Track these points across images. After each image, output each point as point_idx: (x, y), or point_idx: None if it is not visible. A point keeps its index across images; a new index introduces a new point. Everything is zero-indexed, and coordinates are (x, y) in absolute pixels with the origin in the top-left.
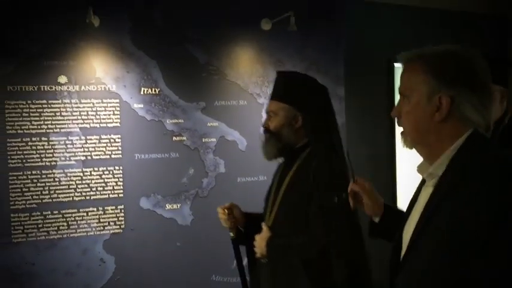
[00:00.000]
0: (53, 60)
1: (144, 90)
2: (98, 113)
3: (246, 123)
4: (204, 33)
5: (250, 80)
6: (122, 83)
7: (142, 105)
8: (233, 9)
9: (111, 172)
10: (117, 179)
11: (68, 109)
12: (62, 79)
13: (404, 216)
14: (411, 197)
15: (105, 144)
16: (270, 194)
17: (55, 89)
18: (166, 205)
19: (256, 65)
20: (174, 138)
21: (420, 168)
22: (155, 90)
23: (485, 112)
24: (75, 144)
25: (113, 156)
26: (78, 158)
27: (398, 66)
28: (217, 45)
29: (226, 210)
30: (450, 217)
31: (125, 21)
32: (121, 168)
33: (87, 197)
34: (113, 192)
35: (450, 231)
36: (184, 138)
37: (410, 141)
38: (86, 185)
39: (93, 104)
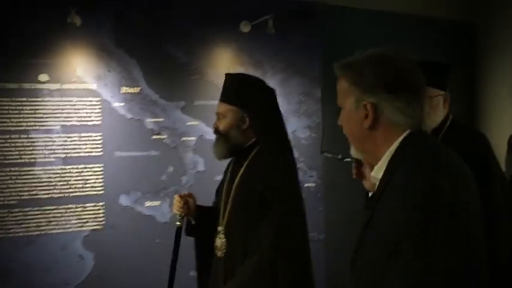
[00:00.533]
0: (34, 58)
1: (124, 89)
2: (79, 111)
3: None
4: (184, 34)
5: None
6: (102, 81)
7: (123, 104)
8: (213, 11)
9: (91, 169)
10: (97, 176)
11: (48, 107)
12: (43, 77)
13: None
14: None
15: (85, 142)
16: (222, 190)
17: (36, 86)
18: (146, 202)
19: (236, 66)
20: (154, 136)
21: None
22: (136, 89)
23: (413, 113)
24: (55, 141)
25: (93, 153)
26: (58, 155)
27: None
28: (197, 46)
29: (182, 199)
30: (377, 217)
31: (107, 20)
32: (101, 165)
33: (67, 194)
34: (93, 189)
35: (376, 231)
36: (164, 136)
37: (355, 151)
38: (66, 182)
39: (74, 102)
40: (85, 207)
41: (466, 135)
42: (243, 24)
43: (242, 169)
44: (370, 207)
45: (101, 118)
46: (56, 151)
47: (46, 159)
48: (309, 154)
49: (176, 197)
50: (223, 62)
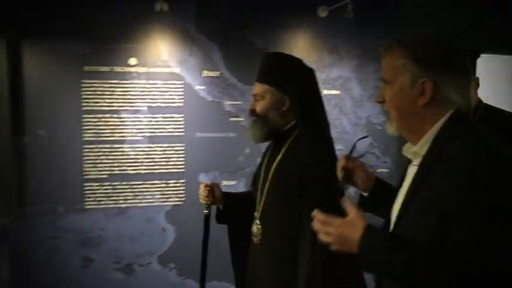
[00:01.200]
0: (124, 44)
1: (205, 73)
2: (163, 93)
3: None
4: (263, 20)
5: None
6: (185, 65)
7: (203, 87)
8: None
9: (173, 148)
10: (179, 155)
11: (136, 89)
12: (132, 61)
13: (393, 193)
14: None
15: (169, 123)
16: (259, 175)
17: (126, 70)
18: (223, 181)
19: (312, 51)
20: (231, 118)
21: (405, 150)
22: (216, 73)
23: (465, 93)
24: (142, 121)
25: (175, 133)
26: (144, 134)
27: None
28: (275, 32)
29: (207, 188)
30: (430, 188)
31: (191, 7)
32: (183, 145)
33: (152, 171)
34: (175, 167)
35: (430, 200)
36: (242, 119)
37: (396, 126)
38: (151, 160)
39: (159, 84)
40: (168, 183)
41: (501, 119)
42: (321, 9)
43: (280, 154)
44: (414, 180)
45: (183, 100)
46: (143, 130)
47: (134, 138)
48: (383, 139)
49: (201, 187)
50: (300, 47)
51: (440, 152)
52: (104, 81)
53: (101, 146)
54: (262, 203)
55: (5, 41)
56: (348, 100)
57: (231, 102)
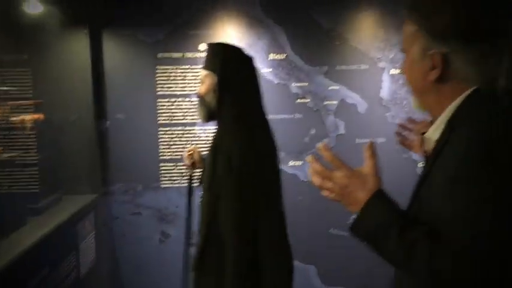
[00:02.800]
0: (195, 30)
1: (272, 56)
2: None
3: (366, 87)
4: (328, 1)
5: (372, 44)
6: (253, 48)
7: (270, 70)
8: None
9: None
10: None
11: None
12: (202, 47)
13: None
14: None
15: None
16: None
17: (196, 55)
18: (290, 162)
19: (379, 30)
20: (298, 100)
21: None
22: (282, 56)
23: (487, 68)
24: None
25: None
26: None
27: None
28: (340, 11)
29: (187, 153)
30: (441, 164)
31: None
32: None
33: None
34: None
35: (442, 173)
36: (308, 100)
37: (417, 103)
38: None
39: None
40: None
41: None
42: None
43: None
44: (425, 167)
45: None
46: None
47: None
48: None
49: (184, 152)
50: (366, 27)
51: (445, 140)
52: (177, 66)
53: (174, 128)
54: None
55: (88, 31)
56: None
57: (298, 84)
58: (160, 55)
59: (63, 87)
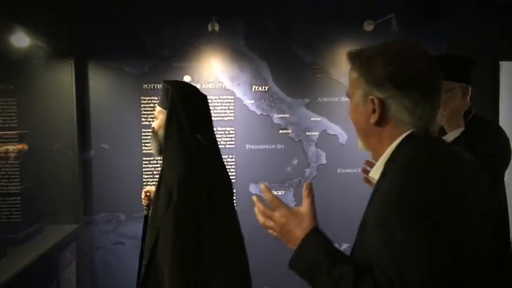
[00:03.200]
0: (180, 62)
1: (255, 88)
2: (216, 107)
3: (347, 119)
4: (309, 36)
5: None
6: (236, 81)
7: (253, 101)
8: (337, 12)
9: (225, 160)
10: (230, 166)
11: None
12: (187, 78)
13: None
14: None
15: (221, 135)
16: None
17: None
18: (272, 191)
19: None
20: (281, 131)
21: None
22: (265, 88)
23: (422, 113)
24: None
25: (227, 146)
26: None
27: (503, 63)
28: (322, 46)
29: (145, 193)
30: (373, 206)
31: (240, 26)
32: (234, 156)
33: None
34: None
35: (372, 214)
36: (290, 131)
37: (361, 144)
38: None
39: (211, 99)
40: None
41: (485, 129)
42: (367, 24)
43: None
44: (367, 205)
45: (234, 114)
46: None
47: None
48: None
49: (142, 192)
50: (346, 61)
51: (380, 182)
52: None
53: (158, 158)
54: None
55: (73, 61)
56: None
57: (280, 115)
58: (145, 86)
59: (48, 117)
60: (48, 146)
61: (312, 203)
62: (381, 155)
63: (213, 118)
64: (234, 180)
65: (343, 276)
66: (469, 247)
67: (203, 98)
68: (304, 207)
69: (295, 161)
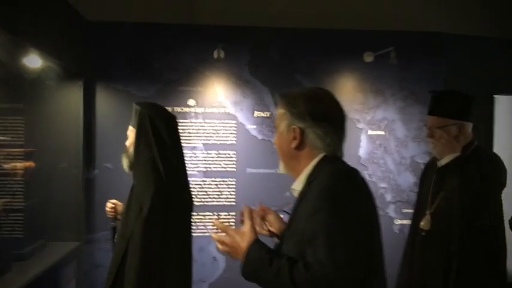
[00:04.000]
0: (185, 87)
1: (257, 113)
2: (218, 131)
3: (345, 146)
4: (311, 65)
5: (351, 106)
6: (239, 106)
7: (255, 126)
8: (339, 44)
9: (226, 183)
10: (230, 189)
11: (194, 127)
12: (191, 102)
13: None
14: None
15: (223, 159)
16: None
17: (185, 110)
18: None
19: (358, 93)
20: None
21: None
22: (266, 113)
23: (330, 141)
24: (198, 157)
25: (228, 169)
26: (200, 169)
27: (498, 97)
28: (323, 75)
29: (111, 205)
30: (298, 218)
31: (245, 54)
32: (234, 180)
33: (205, 203)
34: (226, 200)
35: (304, 212)
36: None
37: (282, 166)
38: (205, 193)
39: (214, 123)
40: (219, 215)
41: (485, 160)
42: (366, 55)
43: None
44: (292, 210)
45: (236, 138)
46: (199, 165)
47: (190, 172)
48: None
49: (108, 204)
50: (346, 90)
51: (306, 190)
52: None
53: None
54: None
55: (82, 83)
56: (392, 140)
57: None
58: None
59: (55, 136)
60: (53, 164)
61: (252, 222)
62: (299, 173)
63: (215, 142)
64: (234, 203)
65: (281, 266)
66: (376, 236)
67: (171, 118)
68: (246, 226)
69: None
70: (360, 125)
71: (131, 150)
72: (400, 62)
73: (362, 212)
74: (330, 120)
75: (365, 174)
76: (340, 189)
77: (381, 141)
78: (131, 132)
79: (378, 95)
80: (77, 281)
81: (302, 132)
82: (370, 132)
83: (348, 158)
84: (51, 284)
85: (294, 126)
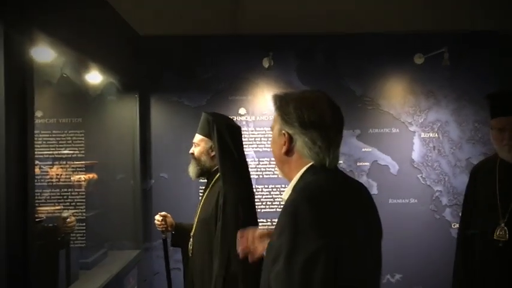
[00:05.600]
0: (235, 96)
1: None
2: (269, 139)
3: (397, 149)
4: (360, 69)
5: (402, 109)
6: None
7: None
8: (388, 46)
9: (278, 189)
10: (277, 197)
11: (245, 135)
12: (242, 111)
13: None
14: None
15: (274, 165)
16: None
17: (236, 118)
18: None
19: (409, 96)
20: None
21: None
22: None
23: (319, 150)
24: (250, 164)
25: (280, 176)
26: (252, 176)
27: None
28: (373, 79)
29: (161, 217)
30: (274, 232)
31: (293, 61)
32: (280, 187)
33: (259, 210)
34: (279, 207)
35: (271, 245)
36: (341, 162)
37: (279, 171)
38: (258, 200)
39: (265, 131)
40: (273, 222)
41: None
42: (417, 57)
43: (207, 190)
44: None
45: None
46: (251, 173)
47: None
48: None
49: (156, 217)
50: (397, 93)
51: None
52: None
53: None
54: (195, 224)
55: (138, 95)
56: (446, 142)
57: None
58: None
59: (113, 148)
60: (111, 175)
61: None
62: (292, 179)
63: (266, 149)
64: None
65: None
66: (351, 254)
67: (239, 129)
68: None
69: None
70: (412, 128)
71: (204, 158)
72: (451, 62)
73: (329, 233)
74: (320, 128)
75: (419, 178)
76: (303, 207)
77: (434, 143)
78: (201, 141)
79: (429, 96)
80: (138, 287)
81: (291, 138)
82: (423, 135)
83: (401, 162)
84: None
85: (283, 132)
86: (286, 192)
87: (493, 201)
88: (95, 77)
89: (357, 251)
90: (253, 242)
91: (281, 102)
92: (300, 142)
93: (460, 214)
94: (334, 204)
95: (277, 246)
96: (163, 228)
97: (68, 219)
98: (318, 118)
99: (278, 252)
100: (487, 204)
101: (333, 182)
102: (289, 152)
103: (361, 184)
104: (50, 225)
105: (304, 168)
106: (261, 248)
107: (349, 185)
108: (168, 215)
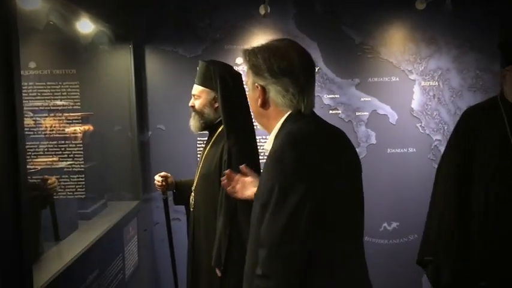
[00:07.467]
0: (232, 45)
1: None
2: None
3: (397, 98)
4: (358, 16)
5: (402, 57)
6: None
7: None
8: None
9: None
10: None
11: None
12: (239, 60)
13: None
14: None
15: None
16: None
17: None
18: None
19: (409, 43)
20: (330, 111)
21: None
22: (315, 69)
23: (292, 97)
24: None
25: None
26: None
27: None
28: (372, 26)
29: (161, 178)
30: (260, 181)
31: (290, 8)
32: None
33: None
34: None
35: (258, 193)
36: (340, 111)
37: (259, 125)
38: None
39: None
40: None
41: None
42: (419, 2)
43: (210, 143)
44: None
45: None
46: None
47: None
48: None
49: (156, 177)
50: (397, 40)
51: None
52: None
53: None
54: (196, 178)
55: (132, 45)
56: (447, 91)
57: (330, 96)
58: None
59: (108, 100)
60: (108, 127)
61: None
62: (271, 131)
63: None
64: None
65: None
66: (335, 192)
67: (240, 76)
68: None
69: None
70: (412, 76)
71: (207, 111)
72: (454, 7)
73: (313, 180)
74: (290, 75)
75: (418, 127)
76: (286, 155)
77: (434, 91)
78: (202, 92)
79: (430, 44)
80: (138, 238)
81: (264, 90)
82: (423, 83)
83: (400, 111)
84: (117, 241)
85: (256, 84)
86: (268, 143)
87: (504, 142)
88: (85, 26)
89: (341, 189)
90: (240, 185)
91: (250, 56)
92: (273, 92)
93: (445, 154)
94: (316, 148)
95: (265, 192)
96: (163, 189)
97: (49, 181)
98: (287, 65)
99: (266, 198)
100: (497, 145)
101: (313, 126)
102: (265, 104)
103: (336, 127)
104: (34, 181)
105: (283, 119)
106: (249, 193)
107: (327, 128)
108: (169, 174)
